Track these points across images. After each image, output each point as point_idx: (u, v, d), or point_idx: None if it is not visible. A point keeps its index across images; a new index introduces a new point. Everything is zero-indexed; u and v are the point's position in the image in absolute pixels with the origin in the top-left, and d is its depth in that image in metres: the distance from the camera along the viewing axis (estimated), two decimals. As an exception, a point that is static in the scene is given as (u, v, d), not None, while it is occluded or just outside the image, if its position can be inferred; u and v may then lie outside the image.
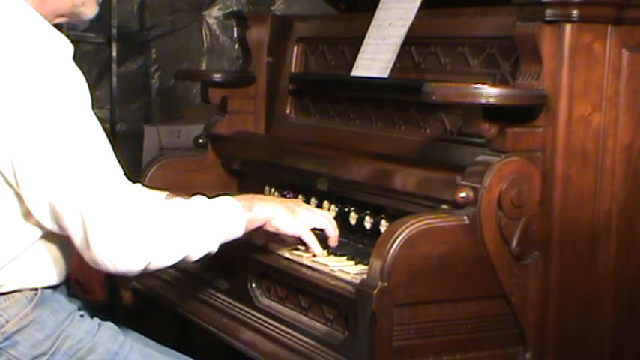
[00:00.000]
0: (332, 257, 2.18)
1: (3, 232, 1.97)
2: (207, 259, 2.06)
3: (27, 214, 1.96)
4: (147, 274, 2.68)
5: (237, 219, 2.09)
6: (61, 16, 2.07)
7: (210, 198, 2.10)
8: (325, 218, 2.24)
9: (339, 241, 2.25)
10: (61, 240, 2.04)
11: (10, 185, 1.93)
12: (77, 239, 1.91)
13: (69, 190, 1.88)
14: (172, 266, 2.03)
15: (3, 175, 1.92)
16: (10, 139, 1.88)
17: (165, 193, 2.41)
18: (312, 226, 2.20)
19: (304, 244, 2.20)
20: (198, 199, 2.08)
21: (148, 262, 1.93)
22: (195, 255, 2.02)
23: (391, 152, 2.44)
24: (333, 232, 2.22)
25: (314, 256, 2.18)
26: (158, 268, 1.98)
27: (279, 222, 2.16)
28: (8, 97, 1.88)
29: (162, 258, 1.95)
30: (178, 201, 2.07)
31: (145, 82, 5.40)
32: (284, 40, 3.01)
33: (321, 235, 2.22)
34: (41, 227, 1.98)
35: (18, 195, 1.94)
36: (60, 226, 1.94)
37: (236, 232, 2.10)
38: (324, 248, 2.22)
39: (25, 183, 1.90)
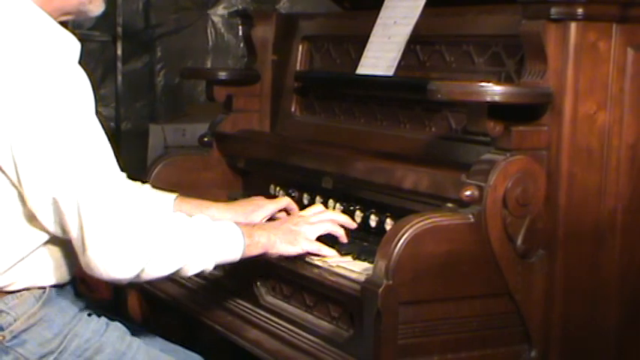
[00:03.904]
0: (337, 255, 2.18)
1: (12, 233, 1.97)
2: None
3: (32, 217, 1.96)
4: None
5: (236, 243, 2.08)
6: (67, 14, 2.07)
7: (216, 196, 2.10)
8: (328, 221, 2.24)
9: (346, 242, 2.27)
10: (68, 241, 2.05)
11: (15, 186, 1.94)
12: (74, 240, 1.91)
13: (69, 188, 1.88)
14: (166, 279, 2.01)
15: (8, 177, 1.93)
16: (13, 138, 1.89)
17: (174, 195, 2.40)
18: (316, 237, 2.20)
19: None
20: (201, 217, 2.08)
21: (141, 270, 1.92)
22: (190, 271, 2.01)
23: (396, 150, 2.44)
24: (340, 231, 2.23)
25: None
26: (150, 279, 1.97)
27: (281, 248, 2.15)
28: (11, 96, 1.88)
29: (156, 268, 1.94)
30: (180, 215, 2.06)
31: (150, 81, 5.41)
32: (289, 38, 3.01)
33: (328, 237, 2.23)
34: (46, 229, 1.99)
35: (22, 196, 1.94)
36: (61, 228, 1.94)
37: (233, 255, 2.08)
38: (334, 248, 2.23)
39: (26, 182, 1.91)
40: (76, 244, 1.91)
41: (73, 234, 1.91)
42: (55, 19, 2.02)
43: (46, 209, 1.92)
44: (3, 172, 1.92)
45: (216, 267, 2.07)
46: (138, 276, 1.92)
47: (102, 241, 1.87)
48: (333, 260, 2.14)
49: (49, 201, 1.91)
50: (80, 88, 1.94)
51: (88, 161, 1.90)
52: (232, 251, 2.07)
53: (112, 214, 1.89)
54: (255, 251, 2.11)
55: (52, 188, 1.89)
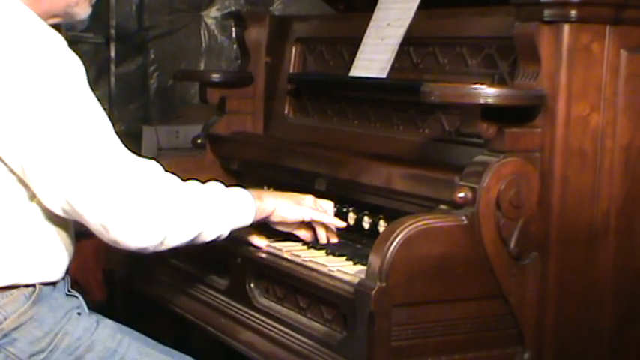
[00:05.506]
0: (330, 257, 2.18)
1: (3, 220, 1.98)
2: (206, 258, 2.07)
3: (30, 199, 1.98)
4: (146, 276, 2.70)
5: (248, 206, 2.16)
6: (55, 16, 2.09)
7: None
8: (328, 215, 2.33)
9: (337, 242, 2.31)
10: (58, 237, 2.06)
11: (13, 172, 1.94)
12: (94, 225, 1.94)
13: (80, 178, 1.91)
14: (186, 245, 2.06)
15: (7, 165, 1.93)
16: (16, 134, 1.90)
17: None
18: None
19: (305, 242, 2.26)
20: (214, 184, 2.15)
21: (164, 237, 1.97)
22: (208, 236, 2.07)
23: (390, 152, 2.44)
24: (333, 227, 2.32)
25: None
26: (173, 246, 2.02)
27: (285, 211, 2.25)
28: (8, 94, 1.89)
29: (177, 234, 2.00)
30: (194, 182, 2.11)
31: (144, 83, 5.40)
32: (282, 40, 3.01)
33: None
34: (44, 215, 2.00)
35: (21, 181, 1.96)
36: (74, 215, 1.96)
37: (246, 218, 2.16)
38: (321, 249, 2.23)
39: (35, 176, 1.92)
40: (97, 227, 1.94)
41: (91, 219, 1.93)
42: (44, 21, 2.04)
43: (58, 200, 1.94)
44: (2, 161, 1.93)
45: (213, 267, 2.07)
46: (161, 243, 1.98)
47: (123, 219, 1.93)
48: (325, 260, 2.14)
49: (61, 192, 1.92)
50: (72, 69, 1.96)
51: (94, 144, 1.93)
52: (245, 215, 2.16)
53: (127, 191, 1.93)
54: (264, 214, 2.22)
55: (63, 180, 1.91)
